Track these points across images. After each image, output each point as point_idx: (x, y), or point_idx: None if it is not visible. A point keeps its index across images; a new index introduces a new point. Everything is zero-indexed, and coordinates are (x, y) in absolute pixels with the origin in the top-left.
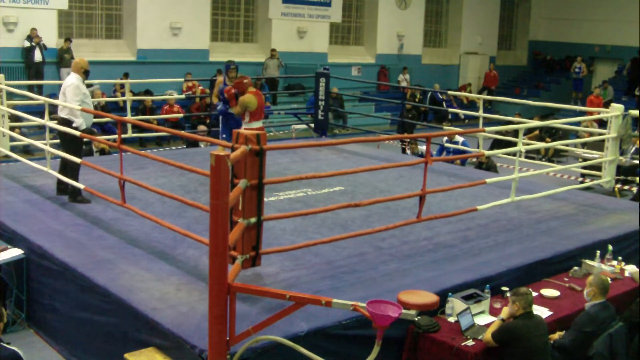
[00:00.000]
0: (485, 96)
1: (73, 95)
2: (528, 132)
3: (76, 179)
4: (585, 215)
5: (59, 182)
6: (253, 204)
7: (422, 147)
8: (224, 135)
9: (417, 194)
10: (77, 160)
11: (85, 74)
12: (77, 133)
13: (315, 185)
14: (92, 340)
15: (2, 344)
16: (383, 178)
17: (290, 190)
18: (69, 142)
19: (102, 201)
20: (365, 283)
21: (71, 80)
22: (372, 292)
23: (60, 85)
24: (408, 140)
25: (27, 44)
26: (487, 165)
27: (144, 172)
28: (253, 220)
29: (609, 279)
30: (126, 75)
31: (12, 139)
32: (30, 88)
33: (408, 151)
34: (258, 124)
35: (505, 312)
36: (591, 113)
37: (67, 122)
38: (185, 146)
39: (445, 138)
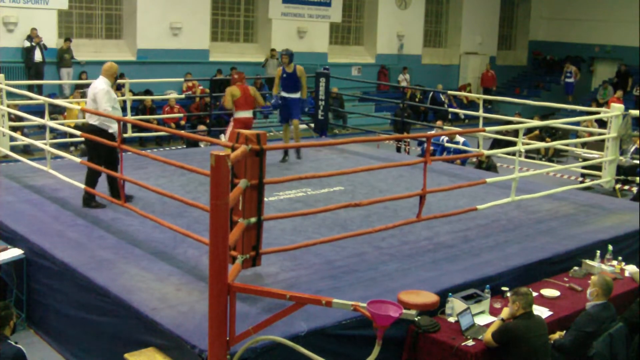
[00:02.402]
0: (484, 96)
1: (105, 101)
2: (528, 132)
3: (93, 186)
4: (585, 215)
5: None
6: (253, 204)
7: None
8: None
9: (417, 193)
10: (102, 170)
11: (115, 80)
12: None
13: (315, 185)
14: (92, 340)
15: (9, 341)
16: (383, 178)
17: (290, 190)
18: (104, 152)
19: (102, 201)
20: (365, 283)
21: (101, 85)
22: (372, 292)
23: (60, 86)
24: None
25: (27, 44)
26: (487, 165)
27: (144, 172)
28: (253, 220)
29: (610, 278)
30: (122, 76)
31: (12, 139)
32: (30, 88)
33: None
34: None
35: (505, 312)
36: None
37: (99, 130)
38: (185, 146)
39: (446, 138)
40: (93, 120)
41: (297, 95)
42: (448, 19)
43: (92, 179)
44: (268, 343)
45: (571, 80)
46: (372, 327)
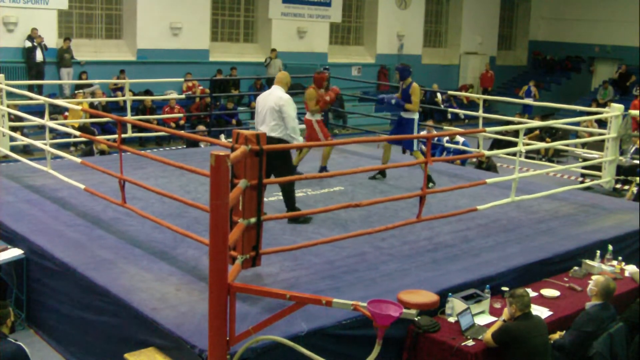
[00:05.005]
0: (484, 96)
1: (292, 111)
2: (528, 132)
3: (294, 201)
4: (585, 215)
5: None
6: (253, 204)
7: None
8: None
9: (417, 194)
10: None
11: (287, 89)
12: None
13: (315, 185)
14: (92, 340)
15: (9, 339)
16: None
17: None
18: (286, 165)
19: (102, 201)
20: (365, 283)
21: (284, 95)
22: (372, 292)
23: (60, 86)
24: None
25: (28, 44)
26: (487, 165)
27: (144, 172)
28: (253, 220)
29: (615, 285)
30: (122, 72)
31: (12, 139)
32: (30, 88)
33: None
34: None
35: (506, 313)
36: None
37: (282, 143)
38: (185, 146)
39: (446, 138)
40: (276, 133)
41: (411, 117)
42: (448, 19)
43: (289, 195)
44: (268, 343)
45: (531, 99)
46: (372, 327)
